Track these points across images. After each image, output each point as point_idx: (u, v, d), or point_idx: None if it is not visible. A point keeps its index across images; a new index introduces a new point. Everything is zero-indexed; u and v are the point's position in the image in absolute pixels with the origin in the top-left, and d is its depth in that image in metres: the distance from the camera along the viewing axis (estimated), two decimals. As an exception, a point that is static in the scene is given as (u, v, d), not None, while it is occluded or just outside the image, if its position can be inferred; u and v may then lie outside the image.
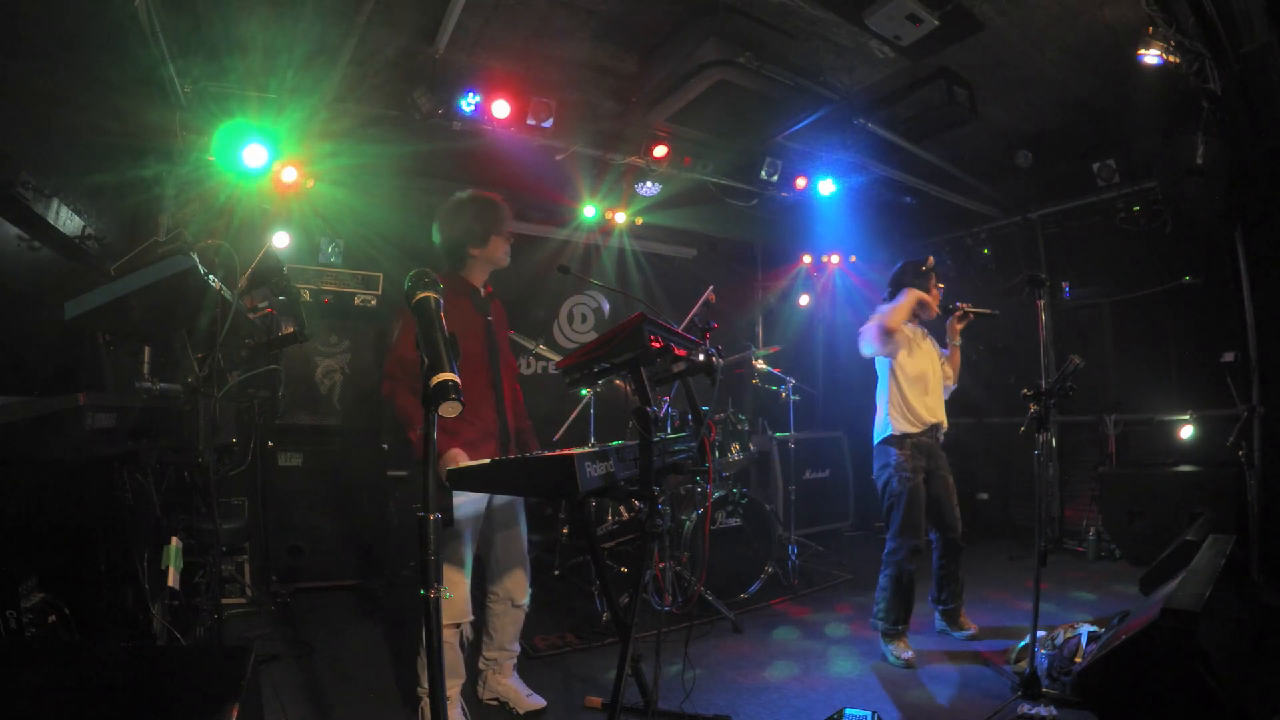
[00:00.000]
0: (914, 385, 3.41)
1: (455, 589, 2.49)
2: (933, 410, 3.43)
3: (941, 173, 5.47)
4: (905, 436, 3.37)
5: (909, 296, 3.43)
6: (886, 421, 3.45)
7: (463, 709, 2.60)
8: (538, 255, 5.67)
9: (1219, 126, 3.86)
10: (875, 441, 3.50)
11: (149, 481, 2.33)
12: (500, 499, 2.67)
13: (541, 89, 4.32)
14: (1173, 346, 5.20)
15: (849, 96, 4.48)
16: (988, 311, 3.52)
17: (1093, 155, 5.16)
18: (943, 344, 3.66)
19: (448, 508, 2.38)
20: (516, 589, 2.73)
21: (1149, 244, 5.15)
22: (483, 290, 2.75)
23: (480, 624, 2.77)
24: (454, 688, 2.53)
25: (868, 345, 3.44)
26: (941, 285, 3.58)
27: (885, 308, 3.44)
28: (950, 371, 3.59)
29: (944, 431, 3.50)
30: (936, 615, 3.61)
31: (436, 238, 2.73)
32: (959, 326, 3.56)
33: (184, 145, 3.80)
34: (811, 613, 4.04)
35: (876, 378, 3.56)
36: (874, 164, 5.38)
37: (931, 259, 3.59)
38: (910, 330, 3.50)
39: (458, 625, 2.52)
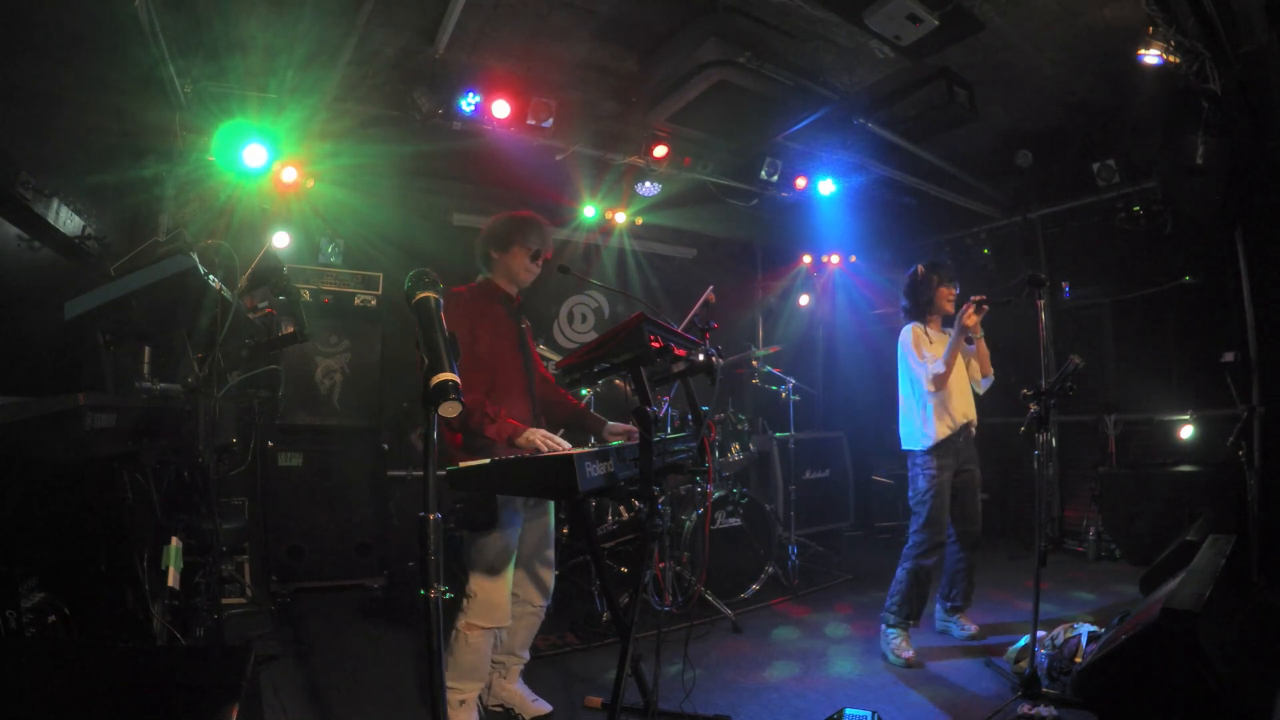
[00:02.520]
0: (949, 391, 3.41)
1: (498, 592, 2.44)
2: (963, 411, 3.43)
3: (941, 173, 5.47)
4: (935, 445, 3.38)
5: (955, 339, 3.33)
6: (914, 431, 3.45)
7: (480, 713, 2.56)
8: (538, 255, 5.66)
9: (1219, 126, 3.86)
10: (910, 448, 3.48)
11: (149, 481, 2.33)
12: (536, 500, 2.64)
13: (541, 89, 4.32)
14: (1173, 346, 5.20)
15: (849, 96, 4.48)
16: (1004, 301, 3.49)
17: (1093, 155, 5.17)
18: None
19: (491, 508, 2.35)
20: (540, 591, 2.69)
21: (1149, 244, 5.15)
22: (514, 299, 2.77)
23: None
24: (472, 691, 2.49)
25: (928, 391, 3.40)
26: (953, 286, 3.54)
27: (939, 362, 3.35)
28: (978, 366, 3.57)
29: (974, 427, 3.50)
30: (937, 615, 3.61)
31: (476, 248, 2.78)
32: (976, 319, 3.52)
33: (184, 145, 3.81)
34: (811, 613, 4.04)
35: (900, 385, 3.53)
36: (874, 164, 5.38)
37: (921, 268, 3.56)
38: (935, 338, 3.51)
39: (493, 630, 2.47)
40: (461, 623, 2.40)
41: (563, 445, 2.37)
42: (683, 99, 4.01)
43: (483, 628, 2.41)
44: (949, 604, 3.58)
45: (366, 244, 4.90)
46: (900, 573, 3.35)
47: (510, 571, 2.49)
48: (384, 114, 4.24)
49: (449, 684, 2.40)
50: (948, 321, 3.58)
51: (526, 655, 2.78)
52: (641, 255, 6.33)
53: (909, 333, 3.50)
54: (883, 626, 3.34)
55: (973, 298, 3.46)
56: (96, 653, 1.82)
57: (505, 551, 2.45)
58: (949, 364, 3.33)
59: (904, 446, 3.53)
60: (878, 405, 6.04)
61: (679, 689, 2.67)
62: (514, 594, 2.63)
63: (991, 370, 3.59)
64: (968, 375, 3.54)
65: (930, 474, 3.37)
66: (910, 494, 3.46)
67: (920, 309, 3.56)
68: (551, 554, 2.76)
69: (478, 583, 2.42)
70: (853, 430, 6.27)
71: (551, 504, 2.78)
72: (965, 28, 3.69)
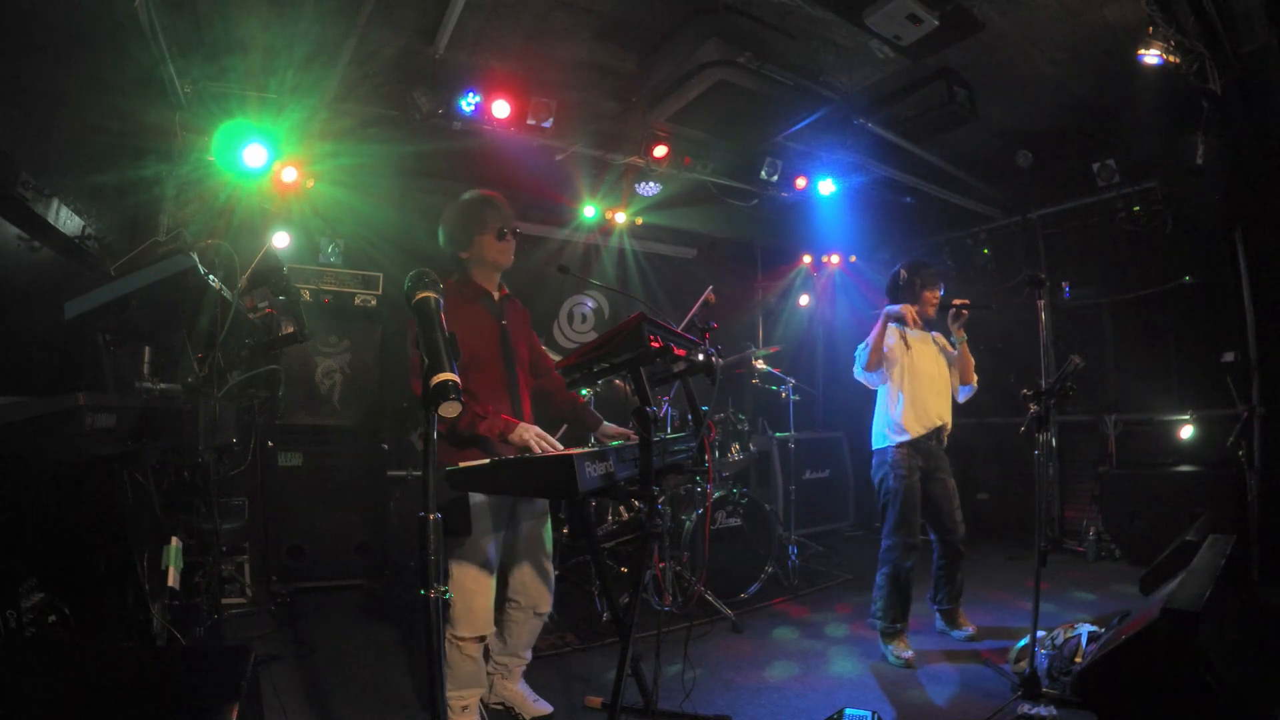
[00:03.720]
0: (915, 389, 3.39)
1: (478, 599, 2.38)
2: (938, 413, 3.40)
3: (941, 173, 5.47)
4: (906, 442, 3.36)
5: (880, 322, 3.41)
6: (884, 427, 3.45)
7: (481, 716, 2.55)
8: (538, 255, 5.67)
9: (1219, 126, 3.86)
10: (874, 446, 3.49)
11: (149, 481, 2.33)
12: (526, 502, 2.59)
13: (541, 89, 4.32)
14: (1173, 346, 5.20)
15: (849, 96, 4.48)
16: (983, 306, 3.48)
17: (1093, 155, 5.17)
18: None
19: (464, 513, 2.28)
20: (540, 598, 2.64)
21: (1149, 244, 5.15)
22: (496, 294, 2.63)
23: (496, 626, 2.68)
24: (473, 697, 2.47)
25: (857, 370, 3.50)
26: (937, 289, 3.50)
27: (869, 338, 3.45)
28: (960, 372, 3.51)
29: (948, 433, 3.47)
30: (937, 615, 3.61)
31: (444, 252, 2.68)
32: (957, 325, 3.52)
33: (184, 145, 3.81)
34: (811, 613, 4.04)
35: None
36: (874, 164, 5.38)
37: (903, 271, 3.54)
38: (913, 336, 3.48)
39: (482, 638, 2.43)
40: (449, 632, 2.36)
41: (555, 445, 2.33)
42: (683, 99, 4.01)
43: (469, 638, 2.37)
44: (938, 607, 3.57)
45: (366, 244, 4.90)
46: (878, 576, 3.34)
47: (492, 578, 2.44)
48: (384, 114, 4.24)
49: (449, 691, 2.37)
50: (930, 326, 3.56)
51: (528, 655, 2.76)
52: (641, 255, 6.33)
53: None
54: (877, 633, 3.34)
55: (954, 302, 3.45)
56: (96, 653, 1.82)
57: (481, 557, 2.39)
58: (871, 352, 3.37)
59: (873, 446, 3.50)
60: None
61: (679, 689, 2.67)
62: (515, 600, 2.60)
63: (974, 379, 3.53)
64: (949, 382, 3.51)
65: (900, 473, 3.34)
66: (879, 496, 3.43)
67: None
68: (550, 558, 2.70)
69: (455, 590, 2.36)
70: (853, 430, 6.27)
71: (547, 508, 2.73)
72: (965, 28, 3.69)
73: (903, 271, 3.55)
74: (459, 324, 2.45)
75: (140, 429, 2.05)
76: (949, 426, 3.46)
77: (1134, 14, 3.51)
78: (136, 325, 2.55)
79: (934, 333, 3.57)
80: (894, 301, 3.54)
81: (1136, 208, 5.13)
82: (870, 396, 3.60)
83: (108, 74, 2.96)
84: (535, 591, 2.63)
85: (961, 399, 3.56)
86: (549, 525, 2.71)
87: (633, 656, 2.20)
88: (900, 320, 3.41)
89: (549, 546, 2.69)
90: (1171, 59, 3.48)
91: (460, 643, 2.37)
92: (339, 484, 4.43)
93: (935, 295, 3.49)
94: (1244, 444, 4.38)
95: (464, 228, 2.55)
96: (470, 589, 2.38)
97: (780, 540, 4.55)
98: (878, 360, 3.39)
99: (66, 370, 2.43)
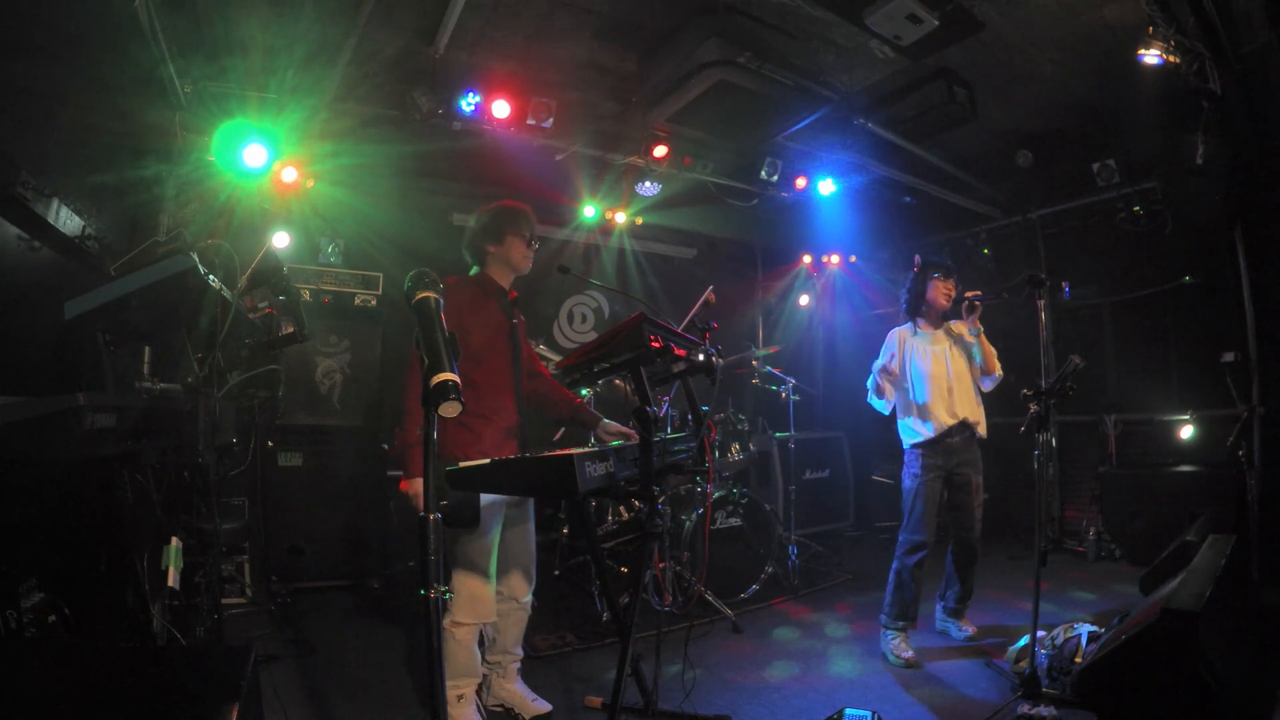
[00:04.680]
0: (927, 391, 3.40)
1: (479, 588, 2.47)
2: (954, 411, 3.39)
3: (941, 173, 5.47)
4: (921, 442, 3.39)
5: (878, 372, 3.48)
6: (908, 428, 3.49)
7: (478, 708, 2.57)
8: (538, 255, 5.62)
9: (1219, 126, 3.87)
10: (903, 446, 3.53)
11: (149, 481, 2.33)
12: (516, 499, 2.67)
13: (541, 89, 4.32)
14: (1173, 346, 5.20)
15: (849, 96, 4.48)
16: (994, 297, 3.49)
17: (1093, 155, 5.16)
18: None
19: (474, 506, 2.35)
20: (520, 587, 2.72)
21: (1149, 244, 5.15)
22: (509, 294, 2.77)
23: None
24: (469, 686, 2.51)
25: (870, 397, 3.57)
26: (947, 280, 3.50)
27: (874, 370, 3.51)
28: (977, 366, 3.50)
29: (977, 425, 3.45)
30: (937, 615, 3.61)
31: (464, 244, 2.80)
32: (972, 318, 3.50)
33: (184, 145, 3.81)
34: (811, 613, 4.04)
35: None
36: (874, 164, 5.38)
37: (918, 258, 3.59)
38: (918, 339, 3.49)
39: (480, 624, 2.51)
40: (447, 620, 2.42)
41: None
42: (683, 99, 4.00)
43: (467, 624, 2.45)
44: (944, 605, 3.58)
45: (366, 244, 4.90)
46: (890, 573, 3.37)
47: (493, 568, 2.53)
48: (384, 114, 4.24)
49: (450, 682, 2.42)
50: (946, 317, 3.56)
51: (520, 652, 2.80)
52: (641, 255, 6.33)
53: (889, 336, 3.58)
54: (881, 627, 3.34)
55: (966, 294, 3.46)
56: (96, 653, 1.82)
57: (486, 549, 2.49)
58: (875, 378, 3.47)
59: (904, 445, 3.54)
60: (878, 405, 6.08)
61: (679, 689, 2.67)
62: (499, 592, 2.66)
63: (998, 368, 3.52)
64: (969, 374, 3.52)
65: (915, 473, 3.37)
66: (901, 494, 3.46)
67: (914, 305, 3.55)
68: (533, 552, 2.80)
69: (460, 579, 2.46)
70: (853, 430, 6.27)
71: (532, 508, 2.80)
72: (965, 28, 3.69)
73: (917, 260, 3.59)
74: (475, 316, 2.55)
75: (140, 429, 2.05)
76: (975, 419, 3.45)
77: (1134, 14, 3.51)
78: (136, 325, 2.55)
79: (951, 321, 3.56)
80: (908, 295, 3.58)
81: (1136, 208, 5.13)
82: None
83: (108, 74, 2.96)
84: (516, 582, 2.71)
85: (987, 388, 3.55)
86: (533, 515, 2.81)
87: (633, 656, 2.20)
88: (886, 372, 3.48)
89: (533, 537, 2.80)
90: (1171, 59, 3.47)
91: (456, 630, 2.43)
92: (339, 484, 4.43)
93: (945, 285, 3.49)
94: (1244, 444, 4.38)
95: (501, 224, 2.73)
96: (475, 578, 2.47)
97: (780, 540, 4.55)
98: (881, 388, 3.49)
99: (66, 370, 2.43)
